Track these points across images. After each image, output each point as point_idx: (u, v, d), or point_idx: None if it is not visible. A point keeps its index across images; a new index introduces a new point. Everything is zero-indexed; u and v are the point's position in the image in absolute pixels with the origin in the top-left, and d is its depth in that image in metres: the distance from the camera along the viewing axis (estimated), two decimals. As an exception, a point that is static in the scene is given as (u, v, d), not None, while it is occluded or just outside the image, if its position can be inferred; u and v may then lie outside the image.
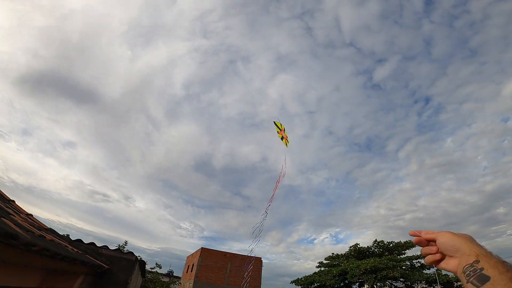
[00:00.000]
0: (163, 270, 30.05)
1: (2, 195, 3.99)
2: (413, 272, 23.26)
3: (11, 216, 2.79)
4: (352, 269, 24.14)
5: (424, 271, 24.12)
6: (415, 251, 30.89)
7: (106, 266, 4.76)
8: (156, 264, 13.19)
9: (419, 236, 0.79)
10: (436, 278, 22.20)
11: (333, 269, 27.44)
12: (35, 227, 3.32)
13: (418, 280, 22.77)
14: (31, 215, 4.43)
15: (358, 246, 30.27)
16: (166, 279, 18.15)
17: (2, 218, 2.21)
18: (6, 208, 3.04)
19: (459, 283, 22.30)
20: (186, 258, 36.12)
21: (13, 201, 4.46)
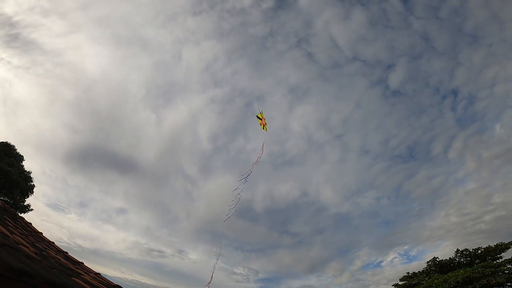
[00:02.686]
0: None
1: (72, 259, 4.29)
2: None
3: (81, 276, 2.93)
4: (438, 285, 22.20)
5: None
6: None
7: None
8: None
9: None
10: None
11: None
12: (103, 285, 3.43)
13: None
14: (99, 274, 4.65)
15: (438, 259, 27.74)
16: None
17: (72, 278, 2.31)
18: (76, 269, 3.22)
19: None
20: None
21: (82, 263, 4.77)
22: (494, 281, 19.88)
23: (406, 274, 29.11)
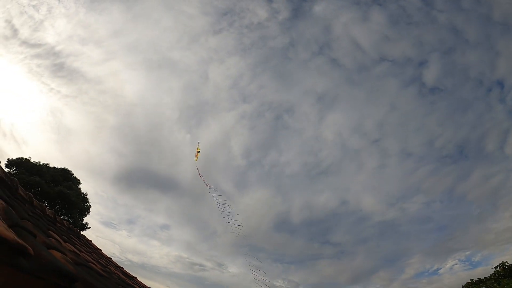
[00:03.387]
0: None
1: (127, 274, 4.65)
2: None
3: (138, 290, 3.17)
4: None
5: None
6: None
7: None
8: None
9: None
10: None
11: None
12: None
13: None
14: (150, 288, 4.96)
15: (507, 264, 25.09)
16: None
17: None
18: (132, 284, 3.49)
19: None
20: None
21: (135, 278, 5.13)
22: None
23: (470, 281, 26.91)
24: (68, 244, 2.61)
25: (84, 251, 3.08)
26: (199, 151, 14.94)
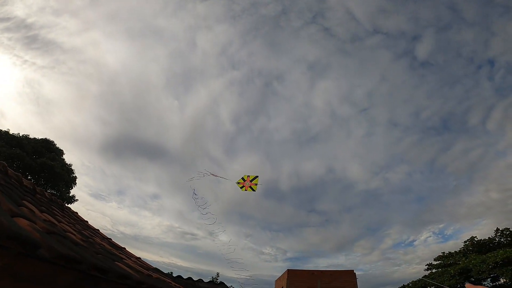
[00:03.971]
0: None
1: (115, 244, 4.63)
2: None
3: (123, 260, 3.14)
4: (476, 265, 21.38)
5: None
6: None
7: (207, 297, 4.91)
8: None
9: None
10: None
11: (449, 268, 24.64)
12: (143, 268, 3.68)
13: None
14: (139, 258, 5.00)
15: (476, 239, 26.74)
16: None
17: (116, 263, 2.47)
18: (119, 254, 3.47)
19: None
20: (274, 283, 35.68)
21: (124, 248, 5.14)
22: None
23: (441, 254, 28.53)
24: (45, 214, 2.49)
25: (65, 222, 2.98)
26: (253, 186, 12.60)
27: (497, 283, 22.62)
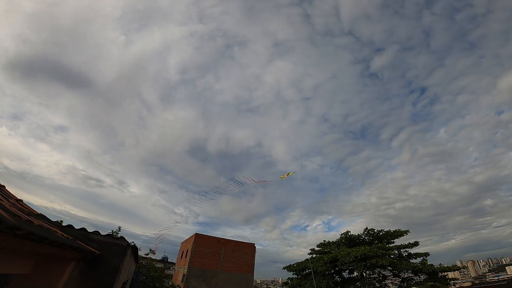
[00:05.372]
0: (157, 256, 30.37)
1: (-10, 180, 3.94)
2: (401, 261, 23.75)
3: (-2, 201, 2.77)
4: (342, 257, 24.55)
5: (411, 260, 24.79)
6: (403, 240, 31.75)
7: (97, 252, 4.81)
8: (150, 250, 13.32)
9: None
10: (421, 268, 22.69)
11: (324, 256, 28.06)
12: (24, 213, 3.31)
13: (405, 269, 23.26)
14: (21, 200, 4.41)
15: (349, 234, 30.66)
16: (160, 265, 18.41)
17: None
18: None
19: (444, 273, 23.11)
20: (180, 244, 36.74)
21: (3, 186, 4.43)
22: (380, 263, 22.41)
23: (323, 242, 32.23)
24: None
25: None
26: (289, 174, 14.49)
27: (351, 276, 27.24)
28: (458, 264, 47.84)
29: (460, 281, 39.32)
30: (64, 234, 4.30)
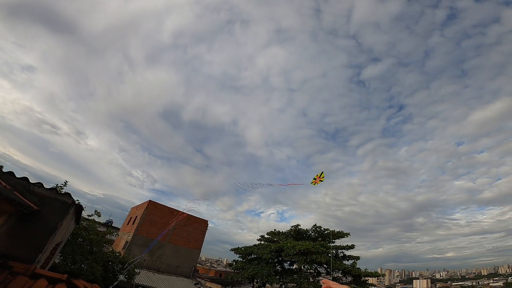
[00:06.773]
0: (102, 219, 28.91)
1: None
2: (335, 261, 25.64)
3: None
4: (288, 248, 25.57)
5: (344, 261, 26.91)
6: (343, 241, 34.53)
7: (35, 207, 4.34)
8: (95, 211, 12.46)
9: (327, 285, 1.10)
10: (350, 270, 24.91)
11: (271, 244, 29.07)
12: None
13: (337, 268, 25.05)
14: None
15: (299, 227, 31.93)
16: (103, 229, 17.47)
17: None
18: None
19: (366, 278, 25.77)
20: (130, 209, 35.47)
21: None
22: (319, 259, 23.91)
23: (273, 231, 33.19)
24: None
25: None
26: (321, 180, 13.14)
27: (291, 267, 28.59)
28: (379, 271, 54.13)
29: None
30: (3, 182, 3.78)
